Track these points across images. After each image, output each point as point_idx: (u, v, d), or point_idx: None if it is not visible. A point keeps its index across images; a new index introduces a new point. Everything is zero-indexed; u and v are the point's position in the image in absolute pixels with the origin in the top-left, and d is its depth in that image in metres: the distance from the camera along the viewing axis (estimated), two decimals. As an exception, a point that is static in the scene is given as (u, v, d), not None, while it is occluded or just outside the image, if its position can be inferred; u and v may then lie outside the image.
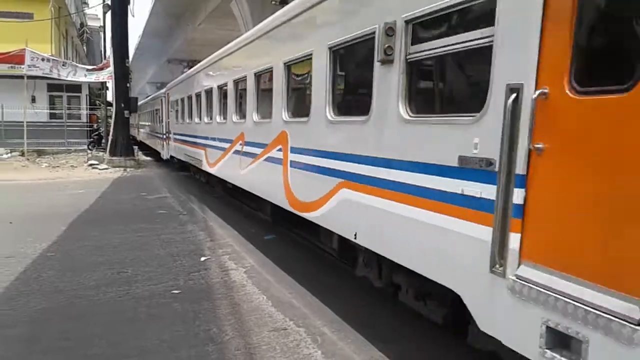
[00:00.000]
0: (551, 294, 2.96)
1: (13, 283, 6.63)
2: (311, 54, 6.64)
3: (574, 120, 2.92)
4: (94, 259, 7.78)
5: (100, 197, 14.44)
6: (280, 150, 7.77)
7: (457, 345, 4.94)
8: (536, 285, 3.07)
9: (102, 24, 34.21)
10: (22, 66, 25.42)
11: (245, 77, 9.86)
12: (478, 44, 3.70)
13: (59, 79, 27.55)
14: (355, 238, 5.50)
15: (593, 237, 2.80)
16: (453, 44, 4.00)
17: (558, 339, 2.95)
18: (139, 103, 31.90)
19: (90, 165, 23.90)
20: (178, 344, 4.86)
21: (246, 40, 10.23)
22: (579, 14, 2.88)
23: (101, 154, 26.49)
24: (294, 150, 7.27)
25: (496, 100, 3.43)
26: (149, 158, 29.58)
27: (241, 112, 10.45)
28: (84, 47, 54.01)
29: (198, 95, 15.05)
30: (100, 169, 22.94)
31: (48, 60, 26.58)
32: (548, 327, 2.98)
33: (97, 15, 45.64)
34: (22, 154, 25.81)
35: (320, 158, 6.36)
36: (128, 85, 26.26)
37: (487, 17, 3.56)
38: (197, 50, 36.70)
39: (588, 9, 2.87)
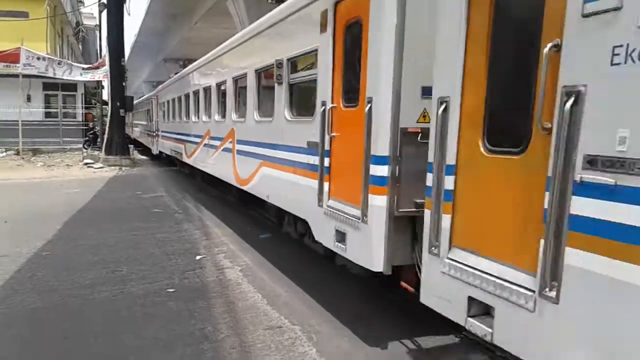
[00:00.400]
0: (336, 212, 5.60)
1: (8, 282, 6.62)
2: (246, 73, 9.43)
3: (344, 121, 5.61)
4: (89, 258, 7.77)
5: (96, 196, 14.42)
6: (230, 142, 10.61)
7: (453, 342, 4.97)
8: (333, 209, 5.70)
9: (97, 23, 34.16)
10: (18, 65, 25.36)
11: (211, 86, 12.59)
12: (312, 77, 6.47)
13: (55, 78, 27.46)
14: (268, 198, 8.36)
15: (346, 178, 5.47)
16: (305, 75, 7.02)
17: (340, 235, 5.55)
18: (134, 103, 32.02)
19: (86, 164, 23.85)
20: (173, 343, 4.87)
21: (213, 57, 12.96)
22: (344, 68, 5.61)
23: (97, 152, 26.44)
24: (238, 142, 10.08)
25: (319, 109, 6.02)
26: (144, 157, 29.52)
27: (208, 113, 13.00)
28: (80, 46, 53.84)
29: (179, 99, 17.78)
30: (95, 168, 22.90)
31: (43, 59, 26.51)
32: (336, 230, 5.60)
33: (92, 14, 45.69)
34: (17, 153, 25.76)
35: (252, 147, 9.07)
36: (124, 84, 26.20)
37: (314, 63, 6.44)
38: (194, 49, 36.61)
39: (345, 67, 5.61)
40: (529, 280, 3.16)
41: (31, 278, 6.79)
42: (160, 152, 23.87)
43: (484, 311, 3.56)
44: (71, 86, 30.45)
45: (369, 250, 4.94)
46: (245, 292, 6.40)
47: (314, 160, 6.17)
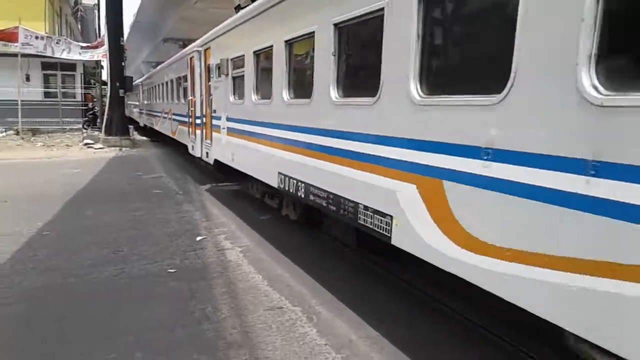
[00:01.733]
0: (192, 138, 14.48)
1: (9, 261, 6.63)
2: (172, 79, 18.61)
3: (192, 104, 14.22)
4: (90, 238, 7.78)
5: (96, 177, 14.41)
6: (171, 114, 19.46)
7: (449, 322, 4.98)
8: (192, 138, 14.47)
9: (96, 2, 33.76)
10: (16, 44, 25.11)
11: (162, 83, 21.79)
12: (186, 85, 15.13)
13: (53, 58, 27.25)
14: (178, 139, 17.80)
15: (193, 126, 14.39)
16: (185, 84, 15.51)
17: (192, 147, 14.67)
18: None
19: (86, 144, 23.78)
20: (174, 323, 4.88)
21: (160, 69, 24.01)
22: (192, 84, 14.35)
23: (96, 133, 26.35)
24: (173, 114, 18.64)
25: (188, 99, 14.83)
26: (144, 137, 29.47)
27: (162, 99, 22.31)
28: (79, 26, 53.33)
29: (151, 88, 26.89)
30: (95, 149, 22.85)
31: (42, 38, 26.25)
32: (192, 146, 14.52)
33: (91, -8, 44.98)
34: (17, 133, 25.64)
35: (175, 116, 18.05)
36: (123, 64, 26.03)
37: (187, 79, 15.10)
38: (193, 29, 36.13)
39: (192, 83, 14.41)
40: (210, 141, 12.07)
41: (32, 258, 6.80)
42: (145, 125, 31.38)
43: (208, 156, 12.44)
44: (70, 66, 30.18)
45: (199, 152, 13.30)
46: (245, 272, 6.40)
47: (187, 120, 14.93)
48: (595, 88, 2.76)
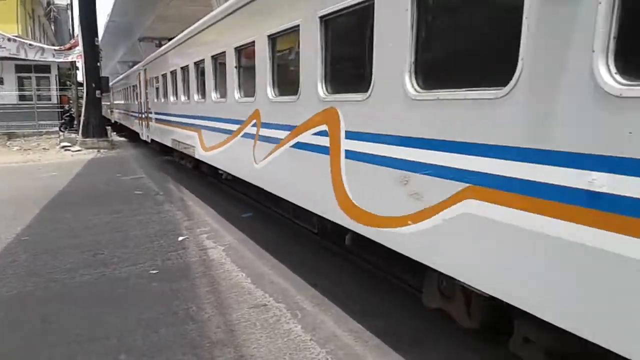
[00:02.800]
0: (143, 129, 21.20)
1: (-14, 268, 6.53)
2: (135, 84, 22.85)
3: (141, 105, 21.28)
4: (69, 242, 7.68)
5: (74, 179, 14.23)
6: (130, 112, 26.48)
7: (432, 315, 5.03)
8: (143, 128, 21.36)
9: (69, 2, 33.25)
10: (-13, 47, 24.70)
11: (127, 87, 27.25)
12: (137, 91, 22.50)
13: (27, 60, 26.81)
14: (133, 128, 25.58)
15: (142, 119, 21.36)
16: (136, 90, 22.87)
17: (142, 133, 22.09)
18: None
19: (63, 147, 23.46)
20: (157, 324, 4.85)
21: (125, 76, 30.83)
22: (142, 90, 20.82)
23: (73, 135, 25.99)
24: (131, 111, 25.57)
25: (139, 100, 21.95)
26: (122, 139, 29.17)
27: (126, 99, 27.98)
28: (52, 27, 52.52)
29: (119, 91, 33.12)
30: (73, 151, 22.55)
31: (14, 40, 25.82)
32: (140, 132, 22.37)
33: (63, -8, 44.24)
34: (-8, 138, 25.23)
35: (133, 113, 24.56)
36: (98, 64, 25.68)
37: (138, 87, 22.02)
38: (170, 28, 35.84)
39: (142, 90, 20.91)
40: (149, 128, 19.37)
41: (11, 263, 6.70)
42: (115, 122, 35.64)
43: (148, 137, 19.89)
44: (45, 68, 29.71)
45: (145, 136, 20.56)
46: (229, 271, 6.39)
47: (138, 115, 21.97)
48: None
